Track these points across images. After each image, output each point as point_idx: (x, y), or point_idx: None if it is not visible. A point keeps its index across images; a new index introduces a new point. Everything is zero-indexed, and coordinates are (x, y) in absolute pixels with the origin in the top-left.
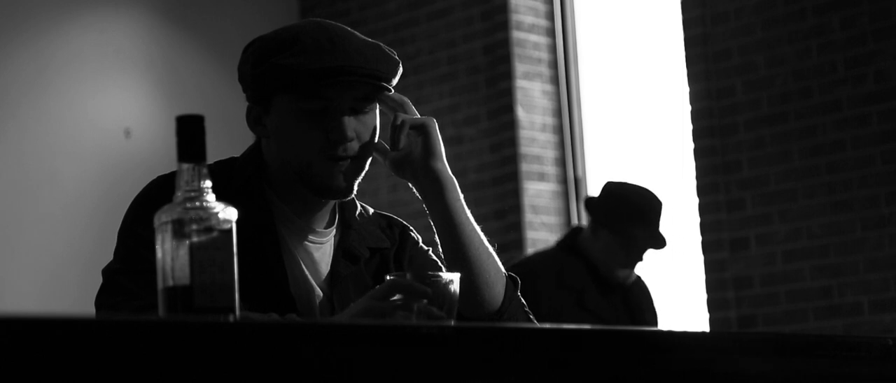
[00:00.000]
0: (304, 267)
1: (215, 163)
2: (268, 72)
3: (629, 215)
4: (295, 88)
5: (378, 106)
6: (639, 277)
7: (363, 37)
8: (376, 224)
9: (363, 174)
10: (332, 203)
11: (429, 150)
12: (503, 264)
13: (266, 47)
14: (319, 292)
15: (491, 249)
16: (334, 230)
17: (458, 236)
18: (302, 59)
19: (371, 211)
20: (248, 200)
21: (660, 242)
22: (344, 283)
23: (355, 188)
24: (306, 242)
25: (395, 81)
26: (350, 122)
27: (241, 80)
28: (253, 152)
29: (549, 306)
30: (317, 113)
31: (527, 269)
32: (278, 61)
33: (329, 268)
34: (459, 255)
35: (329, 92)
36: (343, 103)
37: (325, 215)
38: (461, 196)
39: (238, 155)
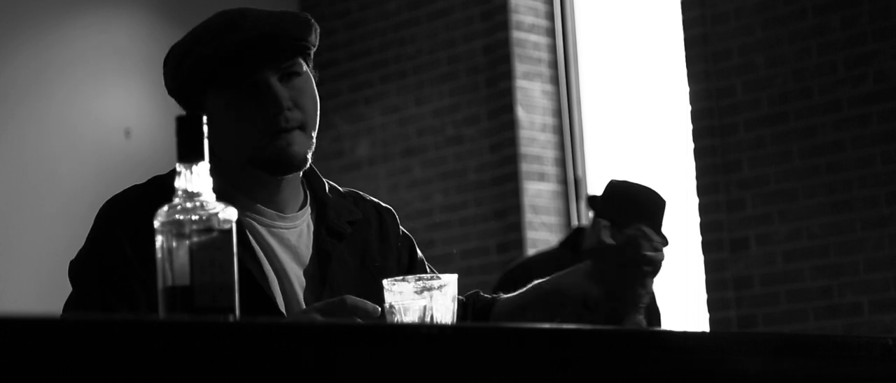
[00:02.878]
0: (279, 254)
1: (169, 172)
2: (185, 74)
3: (632, 212)
4: (217, 79)
5: (308, 70)
6: None
7: (267, 10)
8: (344, 198)
9: (313, 141)
10: (296, 182)
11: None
12: (503, 264)
13: (176, 53)
14: (300, 277)
15: None
16: (308, 208)
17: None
18: (209, 49)
19: (340, 188)
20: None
21: (662, 240)
22: (333, 261)
23: (309, 157)
24: (279, 229)
25: (313, 40)
26: (282, 92)
27: (170, 93)
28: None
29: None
30: (247, 92)
31: (525, 273)
32: (189, 60)
33: (311, 248)
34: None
35: (249, 70)
36: (267, 73)
37: (293, 197)
38: None
39: None
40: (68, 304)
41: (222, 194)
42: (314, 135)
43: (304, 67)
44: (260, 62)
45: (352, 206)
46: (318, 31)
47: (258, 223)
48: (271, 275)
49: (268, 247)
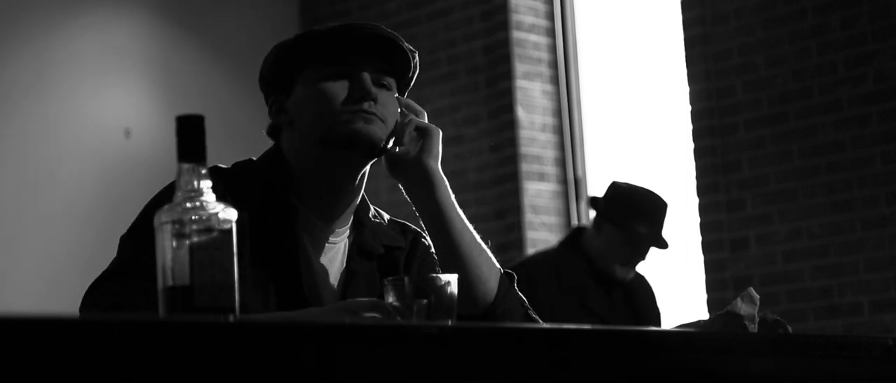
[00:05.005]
0: (320, 268)
1: (233, 165)
2: (291, 46)
3: (634, 212)
4: (318, 54)
5: (397, 96)
6: (642, 276)
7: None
8: (390, 227)
9: (391, 139)
10: (353, 199)
11: (425, 149)
12: (503, 264)
13: (290, 38)
14: (333, 294)
15: (484, 246)
16: (348, 229)
17: (448, 233)
18: (324, 25)
19: (386, 217)
20: (271, 205)
21: (662, 243)
22: (358, 280)
23: (382, 145)
24: (324, 243)
25: (413, 63)
26: (372, 86)
27: (262, 76)
28: (274, 154)
29: (549, 311)
30: (340, 77)
31: (525, 273)
32: (301, 38)
33: (343, 265)
34: (450, 252)
35: (351, 56)
36: (364, 68)
37: (345, 215)
38: (452, 195)
39: (250, 157)
40: (109, 272)
41: (283, 200)
42: (390, 138)
43: (394, 88)
44: (361, 54)
45: (395, 234)
46: (417, 72)
47: (309, 235)
48: (310, 285)
49: (309, 261)
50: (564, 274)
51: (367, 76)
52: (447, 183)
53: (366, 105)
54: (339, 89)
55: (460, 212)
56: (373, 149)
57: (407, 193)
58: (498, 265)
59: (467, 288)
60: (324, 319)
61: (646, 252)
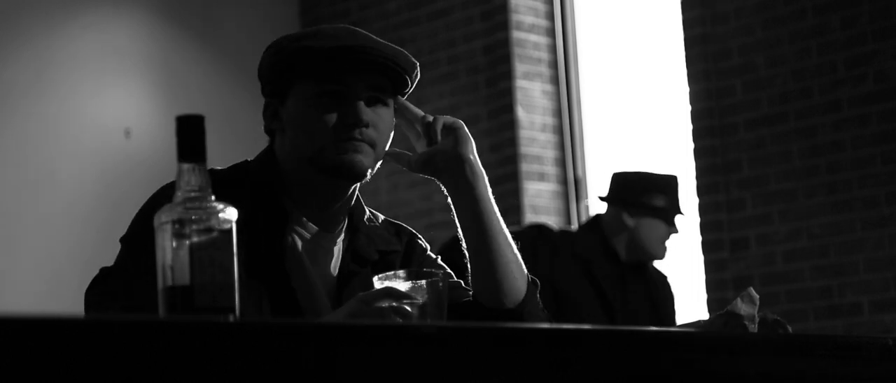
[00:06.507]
0: (312, 272)
1: (229, 167)
2: (287, 56)
3: (646, 189)
4: (313, 70)
5: (393, 110)
6: (665, 276)
7: (383, 41)
8: (385, 229)
9: (378, 164)
10: (347, 202)
11: (461, 142)
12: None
13: (286, 38)
14: (326, 298)
15: (515, 247)
16: (343, 233)
17: (486, 227)
18: (321, 42)
19: (381, 218)
20: (262, 206)
21: (681, 209)
22: (352, 286)
23: (369, 174)
24: (317, 247)
25: (412, 79)
26: (365, 110)
27: (260, 75)
28: (266, 157)
29: (558, 273)
30: (333, 96)
31: (545, 237)
32: (298, 45)
33: (337, 270)
34: (485, 246)
35: (346, 76)
36: (359, 88)
37: (338, 219)
38: (490, 189)
39: (247, 158)
40: (111, 270)
41: (274, 202)
42: (379, 162)
43: (391, 103)
44: (359, 76)
45: (389, 236)
46: (418, 78)
47: (300, 237)
48: (303, 289)
49: (301, 263)
50: (578, 242)
51: (361, 104)
52: (486, 175)
53: (357, 132)
54: (331, 111)
55: (496, 207)
56: (359, 178)
57: (446, 187)
58: (525, 269)
59: (497, 282)
60: (332, 318)
61: (674, 220)
